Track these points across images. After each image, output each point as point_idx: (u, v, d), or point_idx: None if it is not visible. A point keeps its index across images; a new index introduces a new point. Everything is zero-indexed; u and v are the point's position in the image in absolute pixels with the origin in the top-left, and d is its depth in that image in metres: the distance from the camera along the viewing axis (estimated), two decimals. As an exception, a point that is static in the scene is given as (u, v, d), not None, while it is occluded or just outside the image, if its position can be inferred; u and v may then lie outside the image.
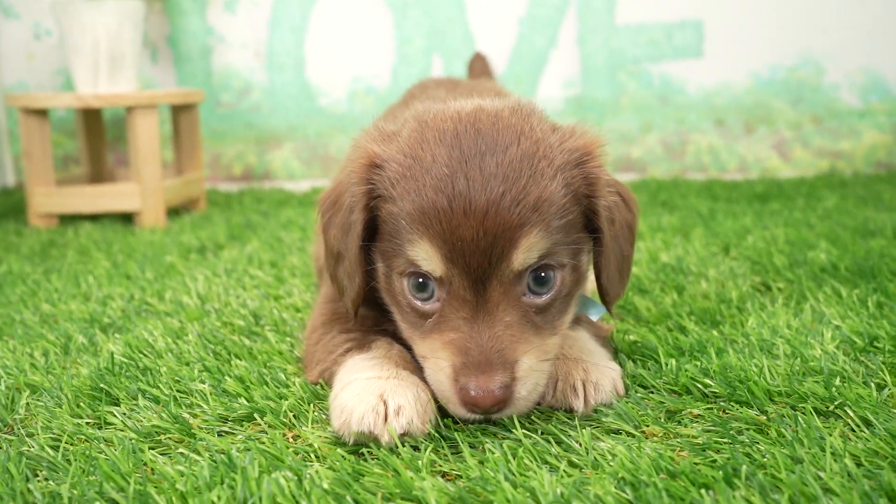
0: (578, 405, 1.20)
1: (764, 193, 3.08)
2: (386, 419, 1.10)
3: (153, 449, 1.13)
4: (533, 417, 1.18)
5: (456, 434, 1.12)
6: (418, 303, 1.17)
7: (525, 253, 1.10)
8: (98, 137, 3.30)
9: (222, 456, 1.05)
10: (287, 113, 3.69)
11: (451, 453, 1.09)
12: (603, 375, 1.24)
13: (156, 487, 1.00)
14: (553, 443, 1.11)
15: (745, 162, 3.63)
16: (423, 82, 2.06)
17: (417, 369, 1.22)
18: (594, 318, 1.37)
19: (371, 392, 1.13)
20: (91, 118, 3.26)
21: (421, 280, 1.15)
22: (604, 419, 1.17)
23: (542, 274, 1.14)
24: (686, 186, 3.30)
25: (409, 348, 1.25)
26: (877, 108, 3.53)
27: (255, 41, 3.64)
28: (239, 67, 3.67)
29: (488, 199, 1.09)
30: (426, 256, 1.12)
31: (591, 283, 1.39)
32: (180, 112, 3.15)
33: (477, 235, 1.09)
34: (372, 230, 1.21)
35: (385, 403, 1.11)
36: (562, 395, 1.21)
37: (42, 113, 2.90)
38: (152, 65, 3.68)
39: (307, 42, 3.63)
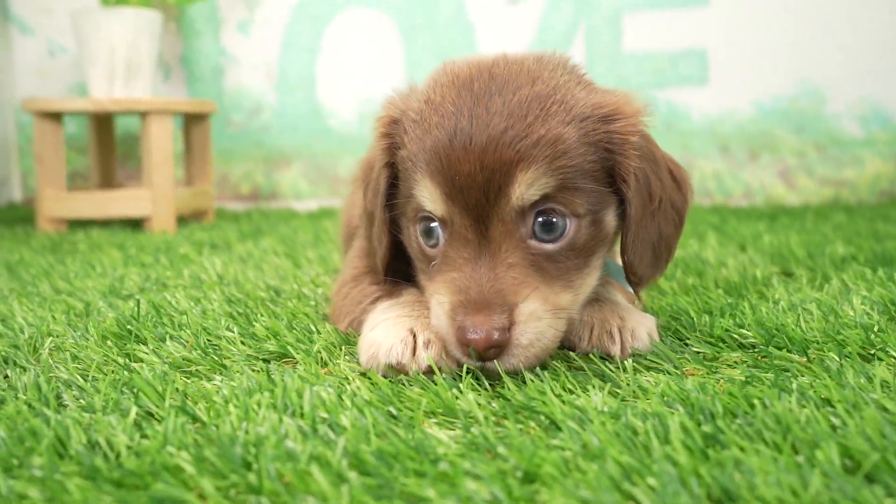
0: (615, 350, 1.18)
1: (772, 214, 3.09)
2: (415, 352, 1.07)
3: (186, 378, 1.10)
4: (571, 356, 1.16)
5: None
6: (427, 248, 1.15)
7: (522, 188, 1.06)
8: (109, 150, 3.31)
9: (260, 377, 1.03)
10: (296, 133, 3.72)
11: (490, 385, 1.07)
12: (639, 323, 1.22)
13: (193, 401, 0.98)
14: (593, 375, 1.09)
15: (750, 188, 3.66)
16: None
17: None
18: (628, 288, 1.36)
19: (400, 327, 1.11)
20: (103, 130, 3.28)
21: (430, 226, 1.14)
22: (642, 360, 1.16)
23: (553, 220, 1.09)
24: (693, 209, 3.31)
25: None
26: (879, 137, 3.58)
27: (267, 62, 3.69)
28: (250, 87, 3.70)
29: (489, 136, 1.06)
30: (428, 195, 1.11)
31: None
32: (192, 123, 3.17)
33: (474, 170, 1.06)
34: (397, 187, 1.20)
35: (414, 336, 1.09)
36: (598, 340, 1.20)
37: (56, 117, 2.91)
38: (165, 83, 3.72)
39: (318, 63, 3.68)
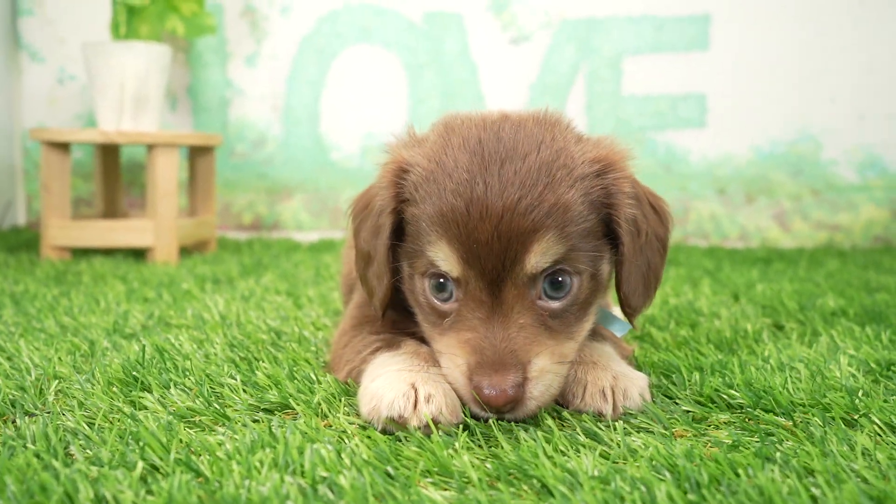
0: (607, 409, 1.21)
1: (766, 258, 3.14)
2: (416, 406, 1.11)
3: (189, 428, 1.13)
4: (563, 414, 1.19)
5: (490, 424, 1.14)
6: (437, 302, 1.20)
7: (537, 257, 1.13)
8: (114, 179, 3.36)
9: (262, 433, 1.06)
10: (300, 166, 3.77)
11: (485, 441, 1.10)
12: (631, 383, 1.25)
13: (197, 454, 1.01)
14: (584, 436, 1.12)
15: (746, 231, 3.71)
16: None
17: None
18: (619, 334, 1.40)
19: (402, 381, 1.15)
20: (109, 159, 3.33)
21: (441, 280, 1.19)
22: (633, 420, 1.19)
23: (559, 279, 1.16)
24: (689, 250, 3.36)
25: None
26: (874, 183, 3.63)
27: (273, 95, 3.75)
28: (255, 119, 3.76)
29: (504, 205, 1.12)
30: (444, 257, 1.16)
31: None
32: (198, 155, 3.22)
33: (492, 239, 1.12)
34: (399, 232, 1.26)
35: (416, 391, 1.13)
36: (591, 398, 1.23)
37: (64, 147, 2.96)
38: (171, 113, 3.77)
39: (324, 98, 3.74)
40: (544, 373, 1.14)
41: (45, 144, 2.93)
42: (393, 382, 1.15)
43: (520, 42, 3.69)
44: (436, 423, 1.11)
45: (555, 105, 3.70)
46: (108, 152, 3.32)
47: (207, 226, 3.21)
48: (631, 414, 1.21)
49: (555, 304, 1.17)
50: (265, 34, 3.73)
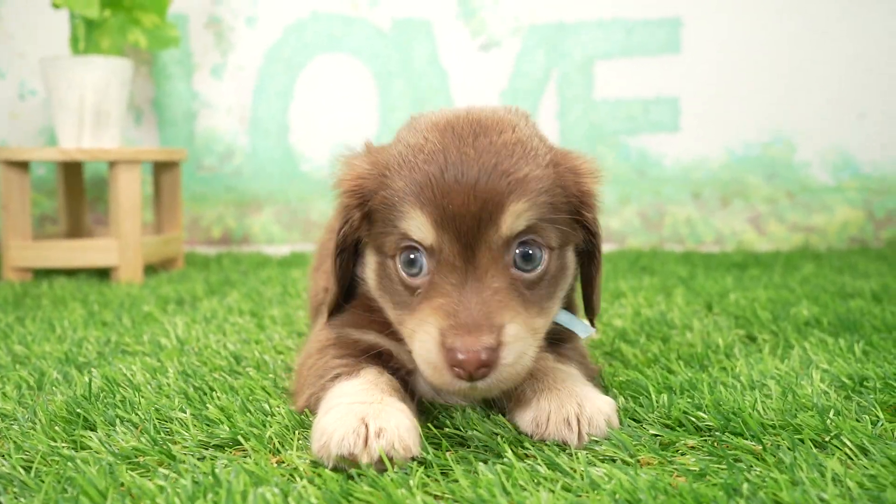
0: (572, 438, 1.17)
1: (742, 262, 3.11)
2: (367, 442, 1.05)
3: (132, 470, 1.08)
4: (525, 444, 1.15)
5: (447, 456, 1.09)
6: (409, 278, 1.19)
7: (512, 218, 1.13)
8: (78, 195, 3.28)
9: (206, 476, 1.01)
10: (269, 178, 3.71)
11: (442, 476, 1.05)
12: (596, 409, 1.21)
13: (135, 501, 0.96)
14: (546, 467, 1.07)
15: (722, 234, 3.69)
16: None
17: (406, 398, 1.21)
18: (582, 335, 1.37)
19: (353, 415, 1.09)
20: (71, 176, 3.25)
21: (412, 257, 1.18)
22: (597, 448, 1.15)
23: (530, 252, 1.17)
24: (665, 256, 3.33)
25: (400, 378, 1.25)
26: (848, 184, 3.62)
27: (240, 106, 3.69)
28: (222, 132, 3.70)
29: (480, 168, 1.14)
30: (418, 224, 1.15)
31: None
32: (163, 170, 3.15)
33: (467, 200, 1.13)
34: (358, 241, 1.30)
35: (366, 426, 1.07)
36: (555, 427, 1.18)
37: (23, 166, 2.89)
38: (136, 126, 3.70)
39: (292, 108, 3.68)
40: (518, 339, 1.11)
41: (4, 164, 2.85)
42: (343, 417, 1.09)
43: (490, 48, 3.65)
44: (390, 458, 1.06)
45: (527, 110, 3.68)
46: (71, 169, 3.24)
47: (174, 242, 3.14)
48: (596, 441, 1.17)
49: (526, 275, 1.17)
50: (231, 45, 3.66)
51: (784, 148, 3.64)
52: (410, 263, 1.18)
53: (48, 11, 3.57)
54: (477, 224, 1.13)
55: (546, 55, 3.63)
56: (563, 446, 1.15)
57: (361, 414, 1.10)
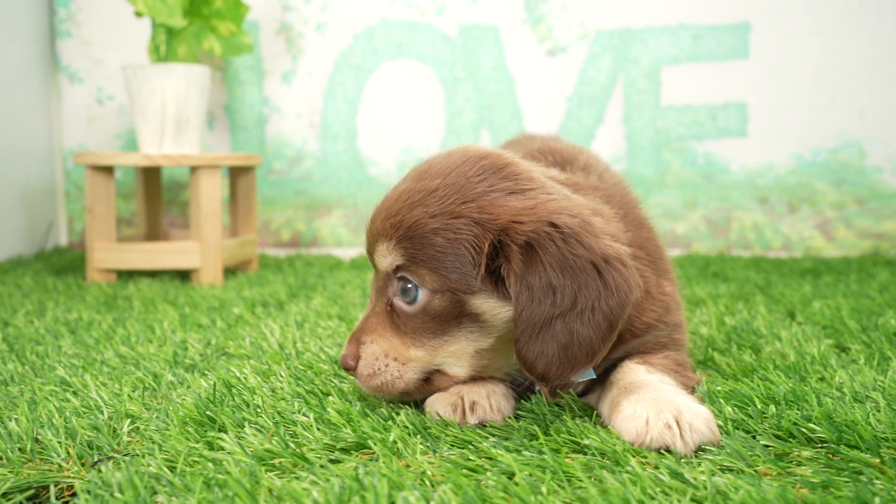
0: (677, 443, 1.19)
1: (813, 269, 3.09)
2: (463, 414, 1.30)
3: (269, 471, 1.13)
4: (643, 453, 1.18)
5: (566, 462, 1.12)
6: None
7: (381, 257, 1.31)
8: (156, 199, 3.38)
9: (349, 480, 1.05)
10: (338, 182, 3.77)
11: (567, 483, 1.09)
12: (695, 416, 1.23)
13: (283, 503, 1.00)
14: (669, 476, 1.10)
15: (790, 240, 3.66)
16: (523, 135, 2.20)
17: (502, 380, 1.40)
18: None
19: (452, 391, 1.34)
20: (150, 179, 3.35)
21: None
22: (713, 458, 1.17)
23: (407, 286, 1.29)
24: (733, 261, 3.32)
25: None
26: (919, 190, 3.58)
27: (310, 112, 3.76)
28: (292, 137, 3.77)
29: (383, 211, 1.33)
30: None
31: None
32: (238, 174, 3.23)
33: (368, 236, 1.36)
34: None
35: (462, 400, 1.31)
36: (658, 433, 1.21)
37: (108, 170, 2.98)
38: (209, 131, 3.79)
39: (361, 113, 3.74)
40: (374, 358, 1.32)
41: (89, 168, 2.95)
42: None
43: (556, 54, 3.67)
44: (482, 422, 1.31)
45: (593, 116, 3.67)
46: (150, 173, 3.34)
47: (249, 245, 3.22)
48: (709, 450, 1.19)
49: (406, 308, 1.30)
50: (301, 51, 3.74)
51: (854, 153, 3.60)
52: None
53: (125, 18, 3.67)
54: (371, 257, 1.35)
55: (613, 61, 3.65)
56: (686, 456, 1.18)
57: (457, 390, 1.35)
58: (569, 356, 1.23)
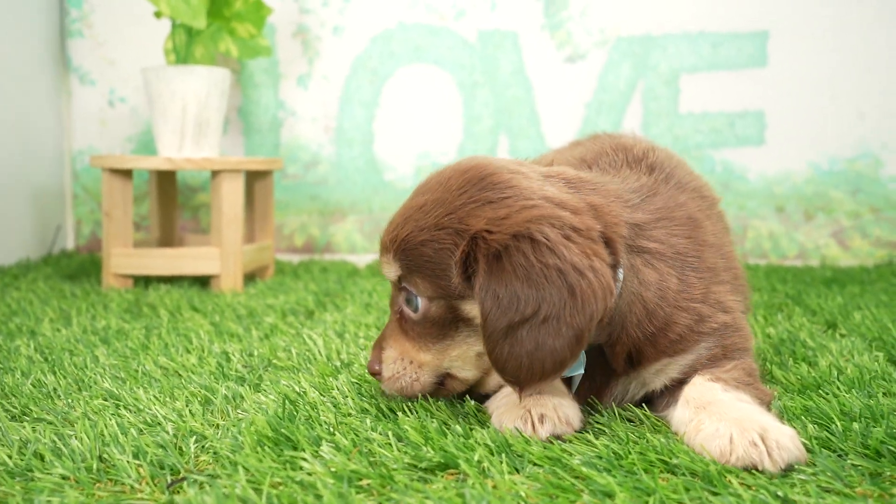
0: (766, 462, 1.17)
1: (835, 278, 3.09)
2: (533, 427, 1.30)
3: (358, 493, 1.09)
4: (735, 471, 1.15)
5: (660, 482, 1.09)
6: None
7: (386, 267, 1.40)
8: (171, 203, 3.32)
9: (448, 496, 1.02)
10: (353, 187, 3.73)
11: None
12: (781, 434, 1.21)
13: (387, 529, 0.97)
14: (772, 498, 1.07)
15: (805, 249, 3.66)
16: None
17: (565, 391, 1.41)
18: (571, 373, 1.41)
19: (519, 405, 1.34)
20: (165, 183, 3.29)
21: None
22: (806, 477, 1.14)
23: (410, 296, 1.37)
24: (753, 270, 3.31)
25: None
26: (935, 200, 3.59)
27: (326, 116, 3.71)
28: (307, 141, 3.72)
29: (385, 229, 1.42)
30: None
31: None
32: (256, 179, 3.18)
33: (381, 250, 1.43)
34: None
35: (530, 413, 1.32)
36: (743, 451, 1.18)
37: (126, 174, 2.92)
38: (223, 135, 3.73)
39: (377, 118, 3.70)
40: (393, 361, 1.41)
41: (108, 171, 2.89)
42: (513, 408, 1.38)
43: (575, 60, 3.65)
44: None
45: (611, 123, 3.65)
46: (166, 177, 3.28)
47: (266, 251, 3.17)
48: (801, 470, 1.16)
49: (412, 315, 1.38)
50: (317, 54, 3.69)
51: (870, 163, 3.61)
52: None
53: (139, 19, 3.61)
54: (381, 268, 1.43)
55: (632, 68, 3.63)
56: (786, 475, 1.15)
57: (524, 404, 1.34)
58: (534, 363, 1.26)
